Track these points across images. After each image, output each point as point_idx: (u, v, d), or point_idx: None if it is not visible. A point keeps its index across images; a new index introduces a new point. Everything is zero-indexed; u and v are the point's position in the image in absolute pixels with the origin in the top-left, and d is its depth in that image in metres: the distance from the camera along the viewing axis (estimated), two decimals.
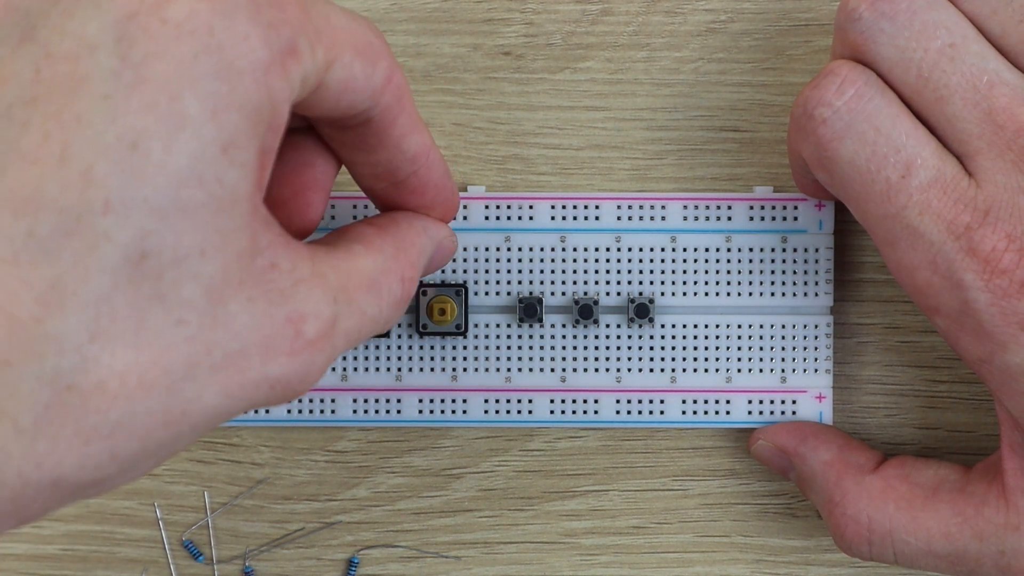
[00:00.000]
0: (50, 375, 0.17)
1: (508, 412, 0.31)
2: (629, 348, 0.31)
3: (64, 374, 0.17)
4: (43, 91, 0.17)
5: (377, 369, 0.31)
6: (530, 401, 0.31)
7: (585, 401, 0.31)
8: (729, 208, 0.30)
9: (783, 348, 0.30)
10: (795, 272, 0.30)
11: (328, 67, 0.20)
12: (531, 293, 0.30)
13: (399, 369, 0.31)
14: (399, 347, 0.30)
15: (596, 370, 0.31)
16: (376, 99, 0.22)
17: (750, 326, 0.30)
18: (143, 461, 0.18)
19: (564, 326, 0.31)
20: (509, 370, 0.31)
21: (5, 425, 0.16)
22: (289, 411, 0.31)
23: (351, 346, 0.21)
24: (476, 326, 0.31)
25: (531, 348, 0.31)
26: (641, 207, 0.30)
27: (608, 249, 0.30)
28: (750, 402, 0.31)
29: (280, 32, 0.18)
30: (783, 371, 0.30)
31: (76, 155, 0.17)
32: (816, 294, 0.30)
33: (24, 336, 0.16)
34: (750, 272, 0.30)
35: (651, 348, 0.31)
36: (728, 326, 0.30)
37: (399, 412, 0.31)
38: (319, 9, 0.20)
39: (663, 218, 0.30)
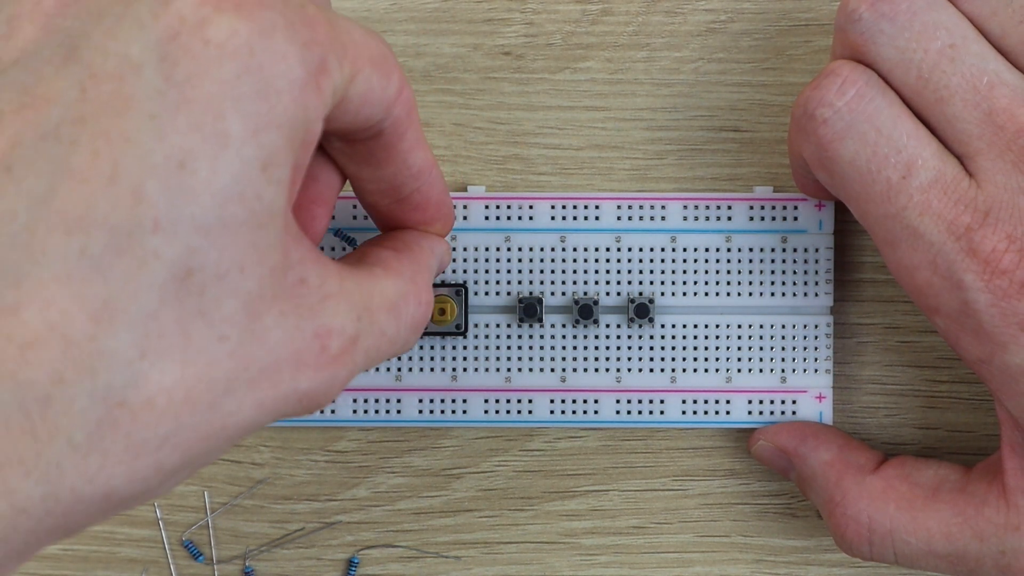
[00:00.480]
0: (103, 392, 0.17)
1: (508, 412, 0.31)
2: (629, 348, 0.31)
3: (116, 391, 0.17)
4: (90, 110, 0.17)
5: (377, 369, 0.31)
6: (530, 401, 0.31)
7: (585, 401, 0.31)
8: (729, 208, 0.30)
9: (783, 348, 0.30)
10: (795, 272, 0.30)
11: (351, 81, 0.20)
12: (531, 293, 0.31)
13: (399, 369, 0.31)
14: None
15: (596, 370, 0.31)
16: (389, 111, 0.22)
17: (750, 326, 0.30)
18: (182, 472, 0.19)
19: (564, 326, 0.31)
20: (509, 370, 0.31)
21: (60, 442, 0.17)
22: None
23: (370, 365, 0.22)
24: (476, 326, 0.31)
25: (531, 348, 0.31)
26: (641, 207, 0.30)
27: (608, 249, 0.30)
28: (750, 402, 0.31)
29: (313, 51, 0.19)
30: (783, 371, 0.30)
31: (126, 173, 0.17)
32: (816, 294, 0.30)
33: (77, 354, 0.17)
34: (750, 272, 0.30)
35: (651, 348, 0.31)
36: (728, 326, 0.30)
37: (399, 412, 0.31)
38: (342, 25, 0.20)
39: (663, 218, 0.30)
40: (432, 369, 0.31)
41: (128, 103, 0.17)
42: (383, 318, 0.22)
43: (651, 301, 0.30)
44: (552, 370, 0.31)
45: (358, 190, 0.25)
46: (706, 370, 0.31)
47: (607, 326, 0.31)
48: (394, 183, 0.24)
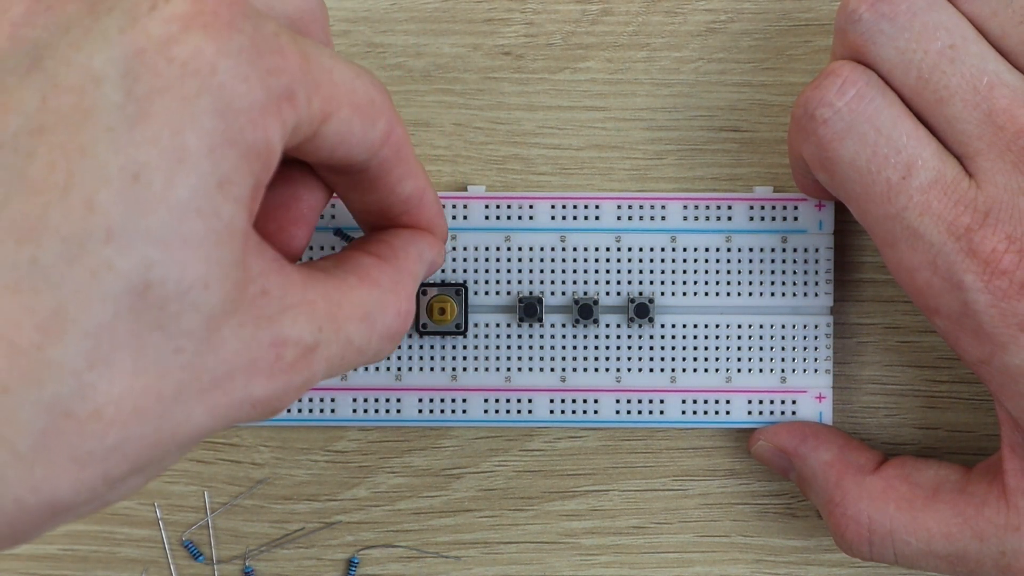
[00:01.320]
0: (48, 402, 0.17)
1: (508, 412, 0.31)
2: (629, 348, 0.31)
3: (62, 401, 0.17)
4: (49, 121, 0.17)
5: (377, 369, 0.31)
6: (530, 401, 0.31)
7: (585, 401, 0.31)
8: (729, 208, 0.30)
9: (783, 348, 0.30)
10: (795, 272, 0.30)
11: (324, 120, 0.20)
12: (531, 293, 0.30)
13: (399, 369, 0.31)
14: (399, 347, 0.30)
15: (596, 370, 0.31)
16: (373, 153, 0.22)
17: (750, 326, 0.30)
18: (133, 479, 0.19)
19: (564, 326, 0.31)
20: (509, 370, 0.31)
21: (3, 451, 0.17)
22: (289, 411, 0.31)
23: (336, 373, 0.22)
24: (476, 326, 0.31)
25: (531, 348, 0.31)
26: (641, 207, 0.30)
27: (608, 249, 0.30)
28: (750, 402, 0.31)
29: (279, 77, 0.19)
30: (783, 371, 0.30)
31: (79, 184, 0.17)
32: (816, 294, 0.30)
33: (24, 363, 0.16)
34: (750, 272, 0.30)
35: (651, 348, 0.31)
36: (728, 326, 0.30)
37: (399, 412, 0.31)
38: (322, 62, 0.20)
39: (663, 218, 0.30)
40: (432, 369, 0.31)
41: (87, 115, 0.17)
42: (352, 327, 0.21)
43: (651, 301, 0.30)
44: (552, 370, 0.31)
45: (347, 205, 0.25)
46: (706, 370, 0.31)
47: (607, 326, 0.31)
48: (382, 207, 0.24)
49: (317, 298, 0.21)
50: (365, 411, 0.31)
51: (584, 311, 0.30)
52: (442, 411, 0.31)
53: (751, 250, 0.30)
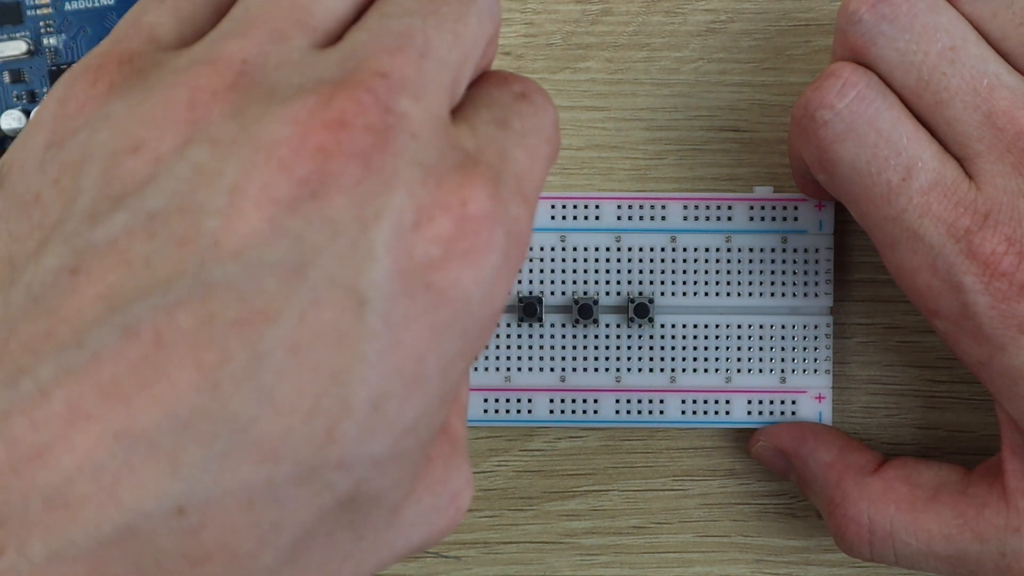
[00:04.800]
0: None
1: (508, 412, 0.31)
2: (629, 348, 0.31)
3: None
4: (304, 339, 0.16)
5: None
6: (530, 401, 0.31)
7: (585, 401, 0.31)
8: (729, 208, 0.30)
9: (783, 348, 0.30)
10: (795, 272, 0.30)
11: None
12: (531, 292, 0.30)
13: None
14: None
15: (596, 370, 0.31)
16: None
17: (750, 326, 0.30)
18: None
19: (564, 326, 0.31)
20: (509, 369, 0.31)
21: None
22: None
23: None
24: None
25: (531, 348, 0.31)
26: (641, 207, 0.30)
27: (608, 249, 0.30)
28: (750, 402, 0.31)
29: (516, 275, 0.19)
30: (783, 371, 0.30)
31: (324, 413, 0.16)
32: (816, 294, 0.30)
33: (238, 570, 0.17)
34: (750, 272, 0.30)
35: (651, 348, 0.31)
36: (728, 326, 0.30)
37: None
38: (530, 181, 0.19)
39: (663, 218, 0.30)
40: None
41: (343, 340, 0.16)
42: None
43: (651, 301, 0.30)
44: (552, 370, 0.31)
45: None
46: (706, 370, 0.31)
47: (607, 326, 0.31)
48: None
49: (458, 424, 0.21)
50: None
51: (584, 311, 0.30)
52: None
53: (751, 250, 0.30)
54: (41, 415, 0.16)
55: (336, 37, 0.19)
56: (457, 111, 0.19)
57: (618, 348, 0.31)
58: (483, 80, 0.20)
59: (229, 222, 0.16)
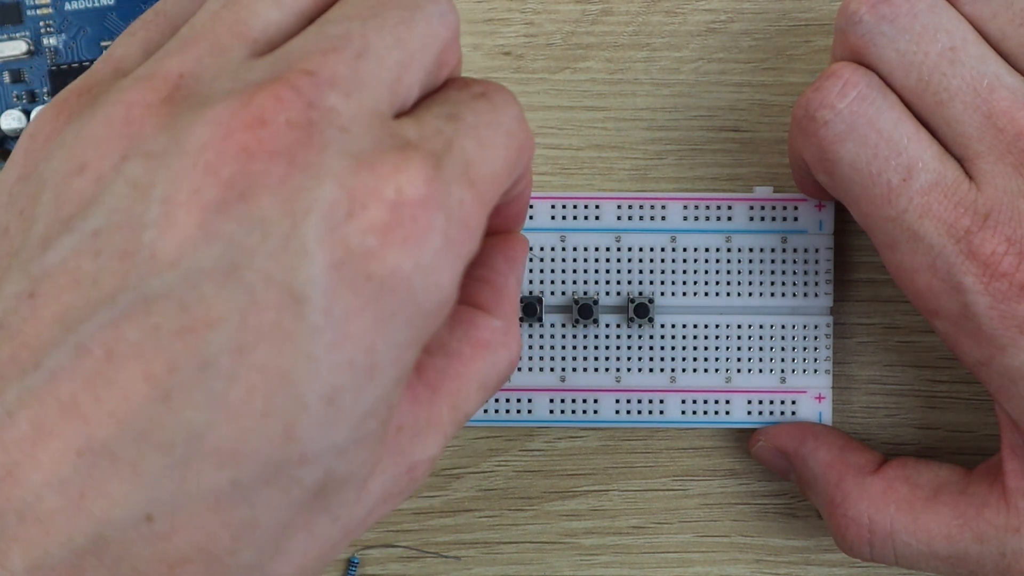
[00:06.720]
0: None
1: (508, 412, 0.31)
2: (629, 348, 0.31)
3: None
4: (248, 341, 0.16)
5: None
6: (530, 401, 0.31)
7: (585, 401, 0.31)
8: (729, 208, 0.30)
9: (783, 348, 0.30)
10: (795, 272, 0.30)
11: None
12: (531, 293, 0.30)
13: None
14: None
15: (596, 370, 0.31)
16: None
17: (750, 326, 0.30)
18: None
19: (564, 325, 0.31)
20: None
21: None
22: None
23: None
24: None
25: (531, 348, 0.31)
26: (641, 207, 0.30)
27: (608, 249, 0.30)
28: (750, 402, 0.31)
29: (467, 250, 0.18)
30: (783, 371, 0.30)
31: (279, 411, 0.17)
32: (816, 294, 0.30)
33: (218, 568, 0.17)
34: (750, 272, 0.30)
35: (651, 348, 0.31)
36: (728, 326, 0.30)
37: None
38: (491, 183, 0.19)
39: (663, 218, 0.30)
40: None
41: (286, 338, 0.16)
42: (470, 404, 0.22)
43: (651, 301, 0.30)
44: (552, 370, 0.31)
45: None
46: (706, 370, 0.31)
47: (607, 326, 0.31)
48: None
49: (442, 405, 0.21)
50: None
51: (584, 311, 0.30)
52: None
53: (751, 250, 0.30)
54: (9, 436, 0.16)
55: (278, 47, 0.19)
56: (410, 111, 0.19)
57: (618, 348, 0.31)
58: (445, 84, 0.20)
59: (163, 232, 0.17)
